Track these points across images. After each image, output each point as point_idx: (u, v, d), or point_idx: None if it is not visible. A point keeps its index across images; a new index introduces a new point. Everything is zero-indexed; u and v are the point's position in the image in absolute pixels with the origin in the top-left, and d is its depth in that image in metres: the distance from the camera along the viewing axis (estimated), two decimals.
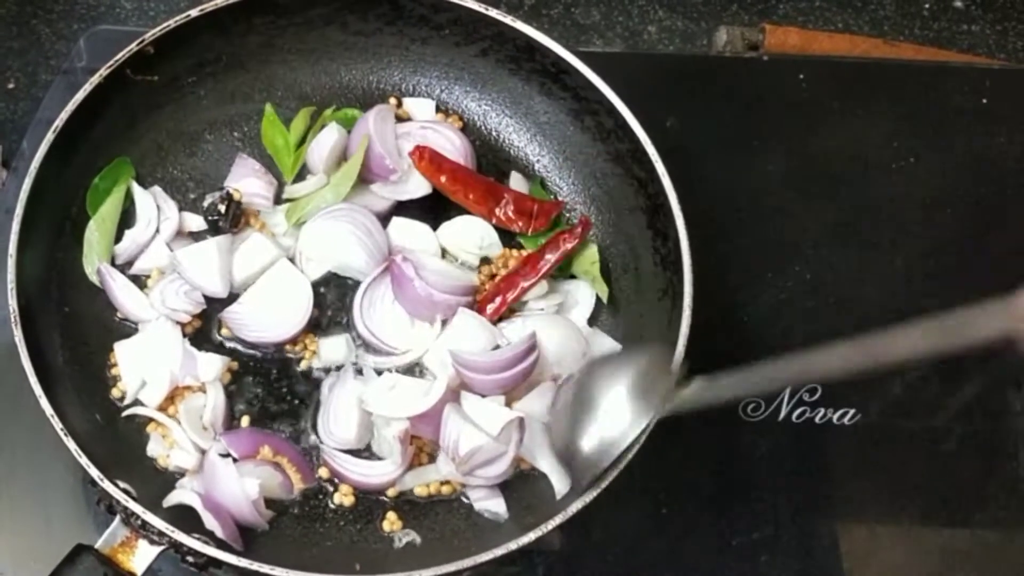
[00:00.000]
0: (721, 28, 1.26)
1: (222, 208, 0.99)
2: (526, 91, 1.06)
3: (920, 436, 1.09)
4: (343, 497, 0.93)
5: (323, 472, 0.94)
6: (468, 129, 1.08)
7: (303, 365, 0.98)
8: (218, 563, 0.84)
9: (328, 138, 1.03)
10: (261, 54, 1.05)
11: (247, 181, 1.02)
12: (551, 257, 1.00)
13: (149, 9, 1.33)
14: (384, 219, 1.02)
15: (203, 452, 0.92)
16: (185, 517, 0.87)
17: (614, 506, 0.93)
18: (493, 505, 0.93)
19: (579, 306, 1.01)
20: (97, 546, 0.85)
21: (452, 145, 1.05)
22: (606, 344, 0.98)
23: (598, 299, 1.01)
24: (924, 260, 1.17)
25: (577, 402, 0.89)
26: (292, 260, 1.00)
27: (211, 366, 0.94)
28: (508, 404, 0.94)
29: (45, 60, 1.29)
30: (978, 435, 1.10)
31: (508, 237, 1.04)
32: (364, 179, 1.04)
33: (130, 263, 1.00)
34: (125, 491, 0.85)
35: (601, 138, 1.02)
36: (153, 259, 0.99)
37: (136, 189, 1.01)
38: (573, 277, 1.02)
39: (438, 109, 1.08)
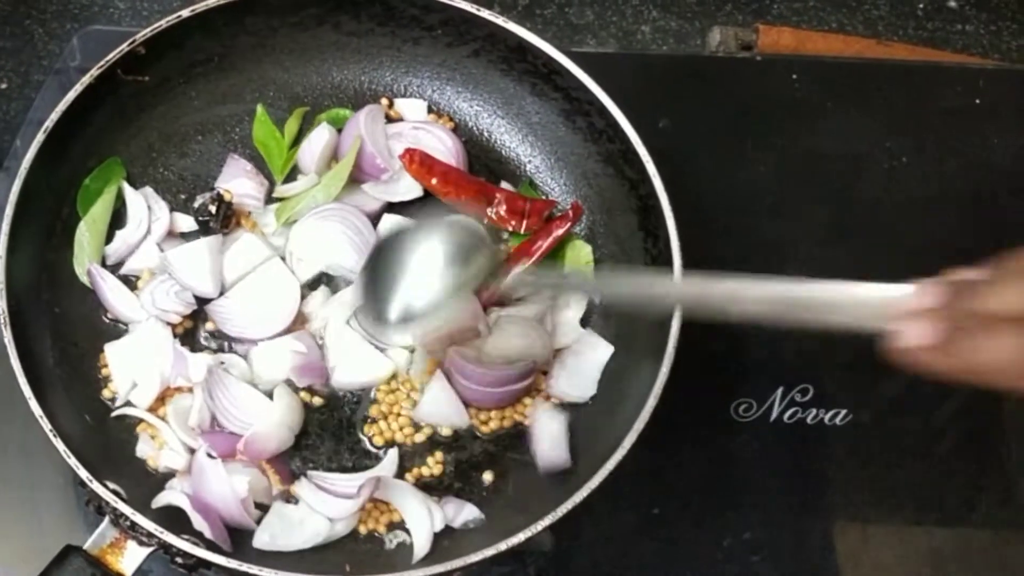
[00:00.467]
0: (715, 28, 1.26)
1: (212, 208, 0.99)
2: (518, 92, 1.06)
3: (913, 437, 1.08)
4: None
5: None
6: (459, 130, 1.08)
7: None
8: (207, 564, 0.84)
9: (319, 138, 1.03)
10: (253, 55, 1.05)
11: (238, 182, 1.02)
12: (542, 243, 1.00)
13: (143, 9, 1.33)
14: (375, 219, 1.02)
15: (193, 453, 0.92)
16: (174, 518, 0.87)
17: (605, 506, 0.93)
18: (467, 514, 0.93)
19: (570, 307, 1.00)
20: (86, 547, 0.85)
21: (444, 146, 1.04)
22: (599, 346, 0.98)
23: (590, 300, 1.01)
24: (918, 260, 1.15)
25: (380, 269, 0.87)
26: (283, 259, 1.00)
27: (202, 367, 0.94)
28: None
29: (38, 60, 1.29)
30: (971, 436, 1.10)
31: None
32: (355, 179, 1.03)
33: (121, 264, 0.99)
34: (115, 492, 0.85)
35: (592, 139, 1.02)
36: (144, 260, 0.99)
37: (127, 190, 1.00)
38: None
39: (430, 110, 1.08)
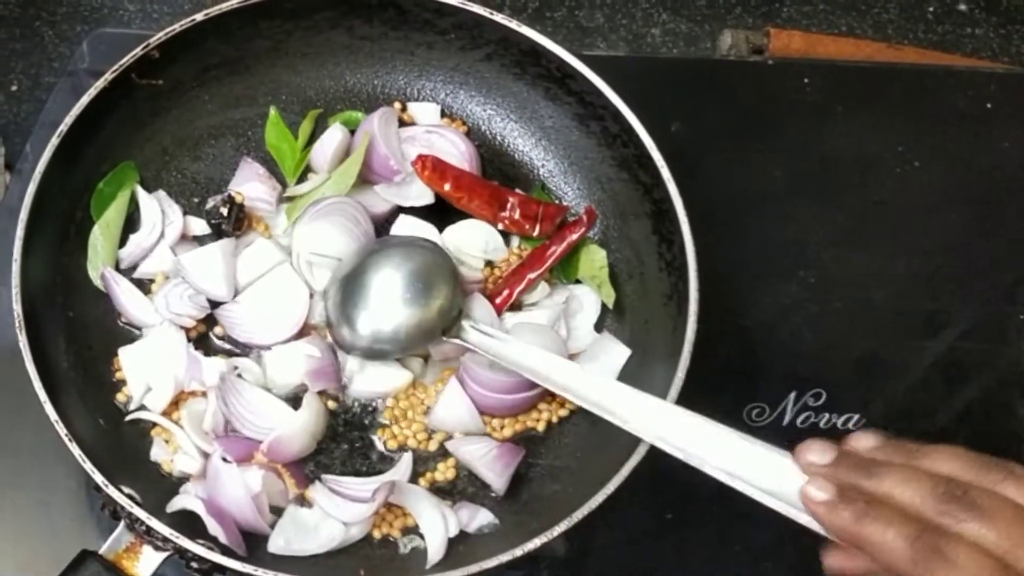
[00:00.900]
0: (725, 32, 1.26)
1: (224, 211, 0.99)
2: (531, 96, 1.05)
3: (926, 441, 1.08)
4: None
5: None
6: (472, 134, 1.08)
7: None
8: (222, 569, 0.84)
9: (332, 139, 1.03)
10: (266, 58, 1.05)
11: (251, 185, 1.02)
12: (557, 248, 1.00)
13: (153, 12, 1.33)
14: (386, 221, 1.02)
15: (207, 457, 0.92)
16: (189, 522, 0.87)
17: (618, 511, 0.93)
18: (481, 519, 0.93)
19: (584, 311, 1.00)
20: (102, 552, 0.85)
21: (457, 150, 1.04)
22: (614, 349, 0.98)
23: (603, 305, 1.01)
24: (929, 264, 1.17)
25: (352, 280, 0.93)
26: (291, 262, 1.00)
27: (216, 371, 0.94)
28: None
29: (48, 62, 1.29)
30: (982, 440, 1.08)
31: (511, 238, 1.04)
32: (368, 180, 1.03)
33: (134, 267, 0.99)
34: (130, 497, 0.85)
35: (606, 143, 1.02)
36: (157, 263, 0.99)
37: (140, 193, 1.00)
38: (578, 282, 1.02)
39: (443, 114, 1.08)
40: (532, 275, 0.99)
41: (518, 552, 0.84)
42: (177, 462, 0.92)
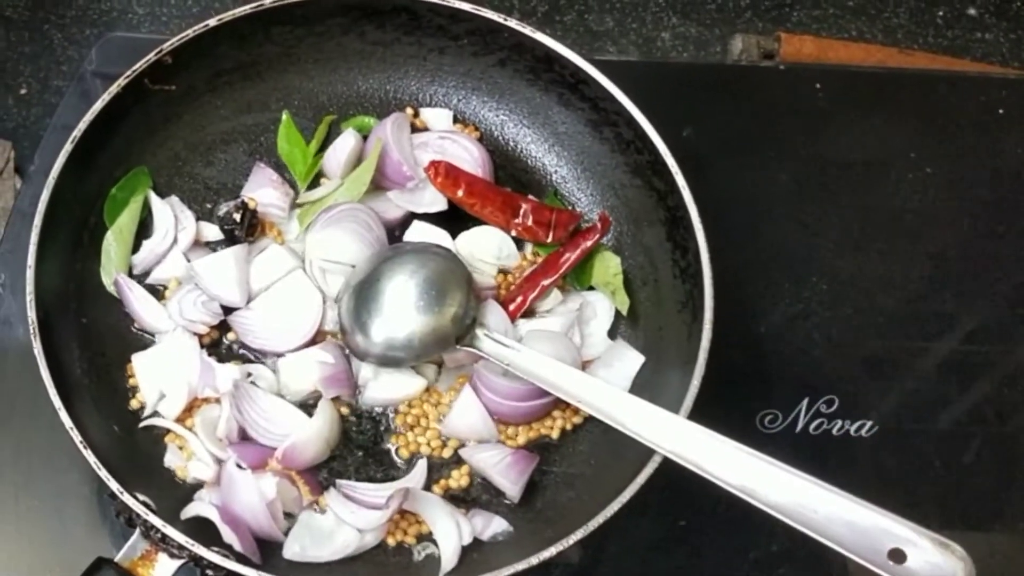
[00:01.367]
0: (737, 36, 1.26)
1: (237, 217, 0.98)
2: (544, 102, 1.05)
3: (938, 447, 1.08)
4: None
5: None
6: (485, 139, 1.08)
7: None
8: None
9: (345, 144, 1.03)
10: (278, 64, 1.05)
11: (263, 191, 1.02)
12: (571, 255, 1.00)
13: (161, 15, 1.33)
14: (399, 227, 1.02)
15: (221, 464, 0.92)
16: (204, 529, 0.87)
17: (632, 518, 0.93)
18: (495, 527, 0.93)
19: (598, 318, 1.00)
20: (117, 559, 0.85)
21: (470, 155, 1.04)
22: (628, 356, 0.98)
23: (617, 312, 1.01)
24: (941, 269, 1.17)
25: (365, 288, 0.93)
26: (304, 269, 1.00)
27: (230, 378, 0.94)
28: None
29: (57, 66, 1.29)
30: (997, 445, 1.09)
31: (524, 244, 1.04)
32: (381, 186, 1.03)
33: (147, 273, 0.99)
34: (145, 504, 0.84)
35: (620, 149, 1.02)
36: (170, 269, 0.99)
37: (154, 199, 1.00)
38: (592, 289, 1.02)
39: (455, 119, 1.08)
40: (546, 282, 0.98)
41: (533, 560, 0.84)
42: (191, 469, 0.92)
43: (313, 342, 0.97)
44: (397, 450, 0.96)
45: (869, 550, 0.76)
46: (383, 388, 0.96)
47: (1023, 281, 1.18)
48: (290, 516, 0.92)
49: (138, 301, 0.97)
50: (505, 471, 0.93)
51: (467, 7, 1.00)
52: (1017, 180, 1.22)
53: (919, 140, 1.21)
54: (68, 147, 0.93)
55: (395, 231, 1.02)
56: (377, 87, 1.08)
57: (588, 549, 0.98)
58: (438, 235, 1.01)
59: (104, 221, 0.98)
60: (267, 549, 0.89)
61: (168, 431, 0.94)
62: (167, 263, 0.99)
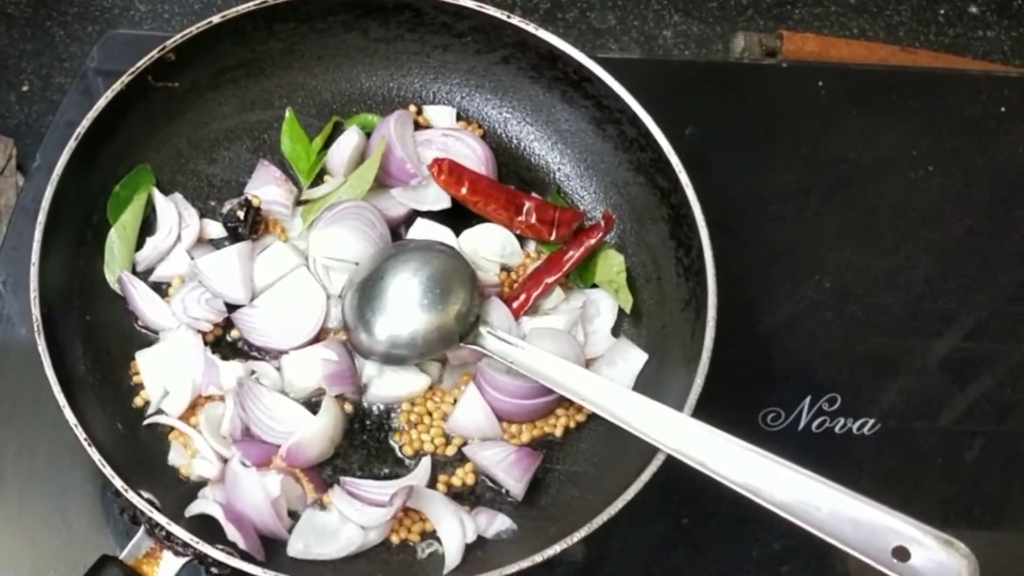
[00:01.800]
0: (739, 34, 1.26)
1: (240, 214, 0.99)
2: (547, 99, 1.05)
3: (941, 445, 1.08)
4: None
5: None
6: (488, 137, 1.08)
7: None
8: (243, 574, 0.84)
9: (348, 141, 1.03)
10: (282, 61, 1.05)
11: (267, 188, 1.02)
12: (574, 253, 1.00)
13: (164, 12, 1.33)
14: (403, 224, 1.02)
15: (225, 461, 0.92)
16: (208, 527, 0.87)
17: (633, 516, 0.93)
18: (499, 525, 0.93)
19: (601, 316, 1.00)
20: (122, 557, 0.85)
21: (473, 153, 1.04)
22: (632, 354, 0.98)
23: (620, 310, 1.01)
24: (943, 267, 1.17)
25: (369, 285, 0.93)
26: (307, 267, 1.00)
27: (234, 375, 0.94)
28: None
29: (59, 62, 1.29)
30: (999, 443, 1.10)
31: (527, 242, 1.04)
32: (384, 183, 1.03)
33: (151, 271, 0.99)
34: (149, 501, 0.84)
35: (623, 147, 1.02)
36: (174, 267, 0.99)
37: (157, 196, 1.00)
38: (595, 287, 1.02)
39: (459, 117, 1.08)
40: (550, 279, 0.98)
41: (537, 558, 0.84)
42: (195, 466, 0.92)
43: (317, 340, 0.97)
44: (401, 448, 0.96)
45: (873, 548, 0.76)
46: (387, 386, 0.96)
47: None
48: (294, 514, 0.92)
49: (142, 298, 0.97)
50: (509, 469, 0.93)
51: (471, 4, 1.00)
52: (1019, 178, 1.22)
53: (921, 138, 1.21)
54: (72, 144, 0.93)
55: (398, 228, 1.02)
56: (380, 84, 1.08)
57: (590, 547, 0.98)
58: (441, 232, 1.01)
59: (107, 218, 0.98)
60: (271, 547, 0.89)
61: (172, 429, 0.94)
62: (171, 260, 0.99)
